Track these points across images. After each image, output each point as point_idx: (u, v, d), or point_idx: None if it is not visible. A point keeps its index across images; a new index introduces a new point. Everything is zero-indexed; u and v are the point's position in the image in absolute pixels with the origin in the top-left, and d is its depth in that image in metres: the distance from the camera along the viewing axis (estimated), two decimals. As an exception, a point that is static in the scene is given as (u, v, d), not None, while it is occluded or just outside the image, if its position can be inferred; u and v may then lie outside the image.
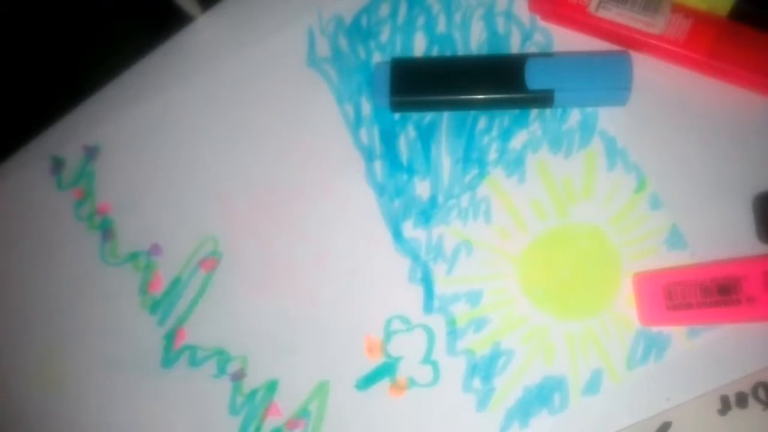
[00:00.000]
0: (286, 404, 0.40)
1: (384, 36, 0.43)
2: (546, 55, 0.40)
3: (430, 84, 0.40)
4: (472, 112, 0.41)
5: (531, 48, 0.41)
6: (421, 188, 0.41)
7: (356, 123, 0.42)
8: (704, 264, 0.37)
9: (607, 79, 0.38)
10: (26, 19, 0.52)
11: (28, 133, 0.46)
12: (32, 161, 0.45)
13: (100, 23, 0.53)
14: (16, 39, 0.52)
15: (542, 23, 0.41)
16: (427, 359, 0.39)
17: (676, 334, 0.37)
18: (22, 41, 0.52)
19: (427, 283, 0.40)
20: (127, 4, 0.53)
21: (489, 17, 0.42)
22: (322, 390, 0.39)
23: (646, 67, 0.39)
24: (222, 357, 0.41)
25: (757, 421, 0.36)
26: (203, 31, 0.45)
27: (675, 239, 0.38)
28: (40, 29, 0.52)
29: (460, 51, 0.42)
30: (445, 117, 0.41)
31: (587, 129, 0.40)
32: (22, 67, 0.53)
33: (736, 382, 0.36)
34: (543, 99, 0.39)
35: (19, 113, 0.52)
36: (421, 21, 0.43)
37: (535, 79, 0.39)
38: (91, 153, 0.45)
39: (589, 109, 0.40)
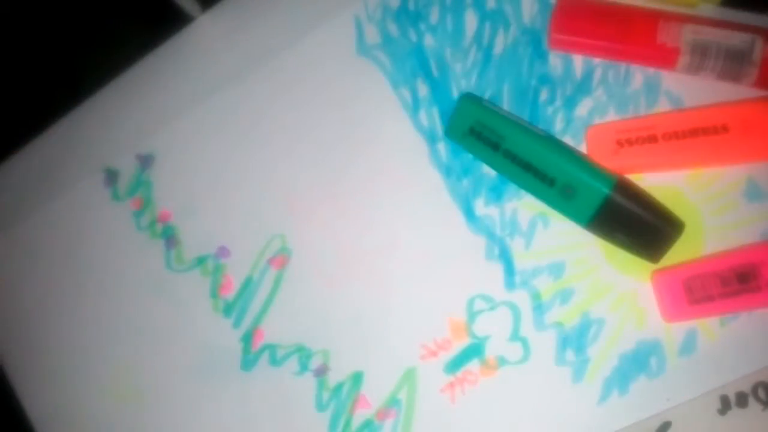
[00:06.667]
0: (373, 395, 0.39)
1: (434, 17, 0.43)
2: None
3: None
4: (534, 85, 0.41)
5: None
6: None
7: (414, 106, 0.42)
8: (720, 254, 0.37)
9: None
10: (23, 19, 0.51)
11: (25, 136, 0.45)
12: (84, 175, 0.45)
13: (99, 23, 0.52)
14: (13, 40, 0.51)
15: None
16: (515, 336, 0.38)
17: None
18: (19, 42, 0.51)
19: (506, 259, 0.39)
20: (126, 3, 0.52)
21: (539, -12, 0.42)
22: (409, 377, 0.39)
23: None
24: (303, 353, 0.40)
25: (757, 421, 0.35)
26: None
27: (753, 191, 0.38)
28: (37, 30, 0.51)
29: (513, 26, 0.42)
30: (506, 90, 0.41)
31: (652, 90, 0.39)
32: (19, 68, 0.52)
33: (736, 382, 0.36)
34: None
35: (16, 117, 0.50)
36: (469, -1, 0.43)
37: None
38: (146, 162, 0.44)
39: (651, 71, 0.40)
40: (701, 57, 0.37)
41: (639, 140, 0.38)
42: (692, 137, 0.37)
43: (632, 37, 0.38)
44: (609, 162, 0.38)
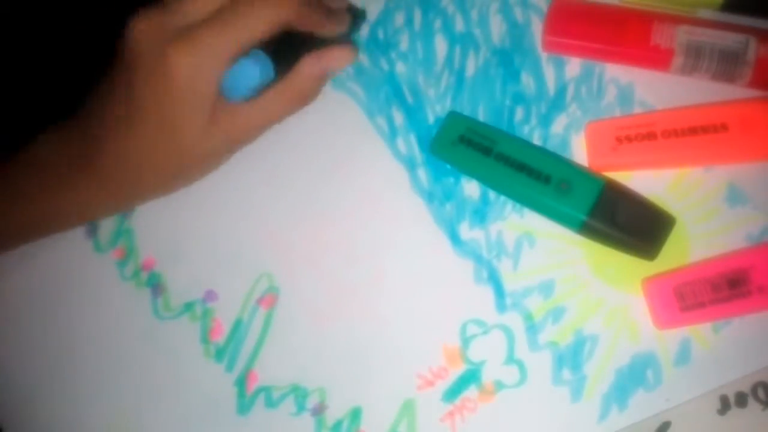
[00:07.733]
0: (374, 429, 0.38)
1: (404, 45, 0.43)
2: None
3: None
4: (508, 105, 0.41)
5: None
6: (470, 188, 0.40)
7: (391, 134, 0.42)
8: (710, 260, 0.37)
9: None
10: (22, 25, 0.50)
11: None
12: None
13: (100, 27, 0.51)
14: (11, 44, 0.50)
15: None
16: (511, 359, 0.38)
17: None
18: (18, 48, 0.50)
19: (495, 281, 0.39)
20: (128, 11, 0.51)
21: (506, 9, 0.42)
22: (408, 408, 0.38)
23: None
24: (299, 392, 0.39)
25: (756, 421, 0.36)
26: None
27: (734, 196, 0.38)
28: (35, 34, 0.50)
29: (483, 48, 0.42)
30: (481, 111, 0.41)
31: (626, 101, 0.40)
32: (16, 75, 0.50)
33: (736, 382, 0.36)
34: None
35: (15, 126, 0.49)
36: (438, 24, 0.43)
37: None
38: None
39: (624, 82, 0.40)
40: (695, 58, 0.37)
41: (638, 137, 0.38)
42: (691, 135, 0.37)
43: (626, 38, 0.38)
44: (608, 158, 0.38)
